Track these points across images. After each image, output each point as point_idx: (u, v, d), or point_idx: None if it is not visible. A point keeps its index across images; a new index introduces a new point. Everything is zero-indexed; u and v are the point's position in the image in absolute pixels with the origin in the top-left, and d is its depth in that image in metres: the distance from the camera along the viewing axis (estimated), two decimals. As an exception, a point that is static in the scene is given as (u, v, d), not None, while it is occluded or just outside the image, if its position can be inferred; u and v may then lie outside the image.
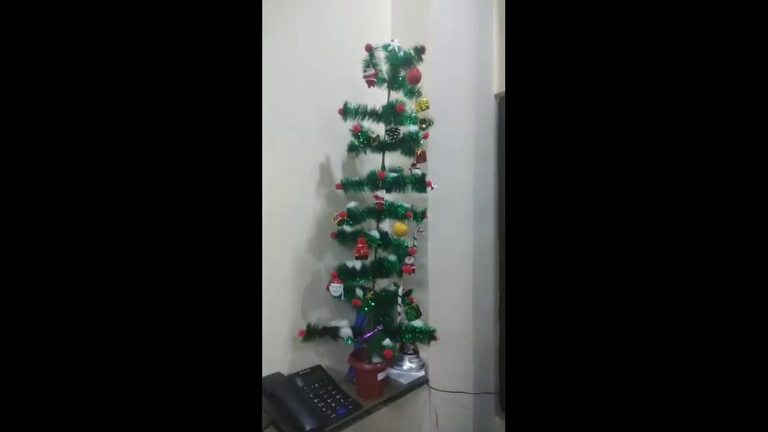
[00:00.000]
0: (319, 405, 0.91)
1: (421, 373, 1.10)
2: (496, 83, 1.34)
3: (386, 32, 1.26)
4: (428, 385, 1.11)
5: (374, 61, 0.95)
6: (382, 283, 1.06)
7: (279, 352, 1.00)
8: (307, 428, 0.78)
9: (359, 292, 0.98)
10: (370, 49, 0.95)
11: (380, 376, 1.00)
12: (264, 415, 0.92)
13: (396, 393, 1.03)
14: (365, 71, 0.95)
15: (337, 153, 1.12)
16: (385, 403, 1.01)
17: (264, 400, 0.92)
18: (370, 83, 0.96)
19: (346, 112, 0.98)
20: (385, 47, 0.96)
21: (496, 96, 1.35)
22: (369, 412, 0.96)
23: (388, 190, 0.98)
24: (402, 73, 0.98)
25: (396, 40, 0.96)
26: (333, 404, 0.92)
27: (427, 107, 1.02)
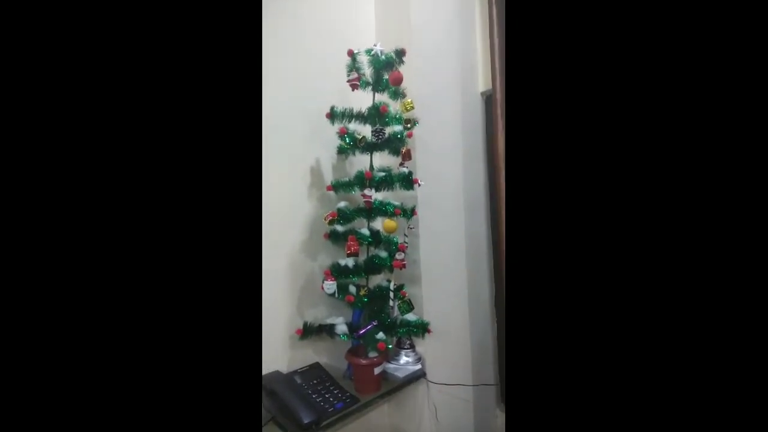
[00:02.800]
0: (317, 400, 0.94)
1: (418, 366, 1.13)
2: (482, 82, 1.37)
3: (371, 36, 1.30)
4: (426, 379, 1.13)
5: (357, 66, 0.99)
6: (376, 280, 1.09)
7: (277, 351, 1.03)
8: (305, 421, 0.81)
9: (352, 289, 1.01)
10: (351, 54, 0.98)
11: (377, 370, 1.02)
12: (264, 412, 0.95)
13: (393, 387, 1.06)
14: (348, 75, 0.99)
15: (327, 156, 1.16)
16: (382, 396, 1.03)
17: (264, 398, 0.95)
18: (354, 87, 1.00)
19: (333, 115, 1.01)
20: (368, 51, 0.99)
21: (482, 94, 1.37)
22: (366, 406, 0.98)
23: (377, 189, 1.01)
24: (385, 76, 1.01)
25: (379, 44, 1.00)
26: (331, 399, 0.95)
27: (412, 108, 1.05)
